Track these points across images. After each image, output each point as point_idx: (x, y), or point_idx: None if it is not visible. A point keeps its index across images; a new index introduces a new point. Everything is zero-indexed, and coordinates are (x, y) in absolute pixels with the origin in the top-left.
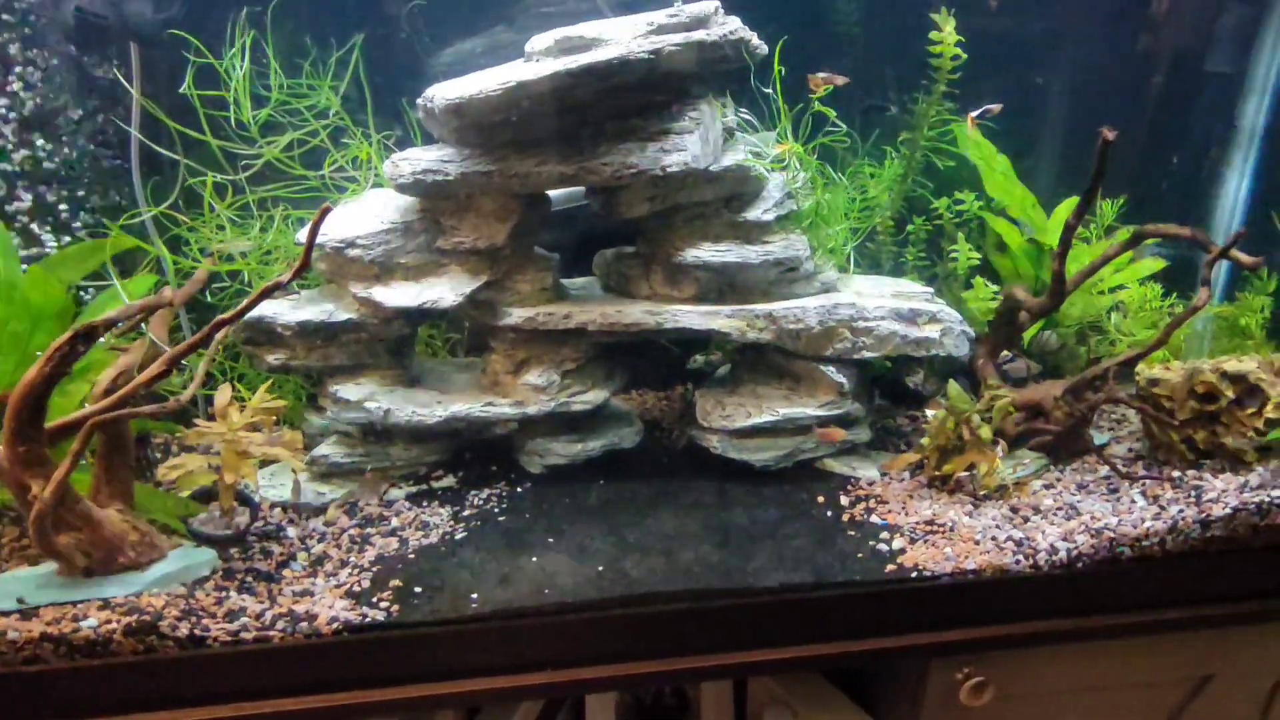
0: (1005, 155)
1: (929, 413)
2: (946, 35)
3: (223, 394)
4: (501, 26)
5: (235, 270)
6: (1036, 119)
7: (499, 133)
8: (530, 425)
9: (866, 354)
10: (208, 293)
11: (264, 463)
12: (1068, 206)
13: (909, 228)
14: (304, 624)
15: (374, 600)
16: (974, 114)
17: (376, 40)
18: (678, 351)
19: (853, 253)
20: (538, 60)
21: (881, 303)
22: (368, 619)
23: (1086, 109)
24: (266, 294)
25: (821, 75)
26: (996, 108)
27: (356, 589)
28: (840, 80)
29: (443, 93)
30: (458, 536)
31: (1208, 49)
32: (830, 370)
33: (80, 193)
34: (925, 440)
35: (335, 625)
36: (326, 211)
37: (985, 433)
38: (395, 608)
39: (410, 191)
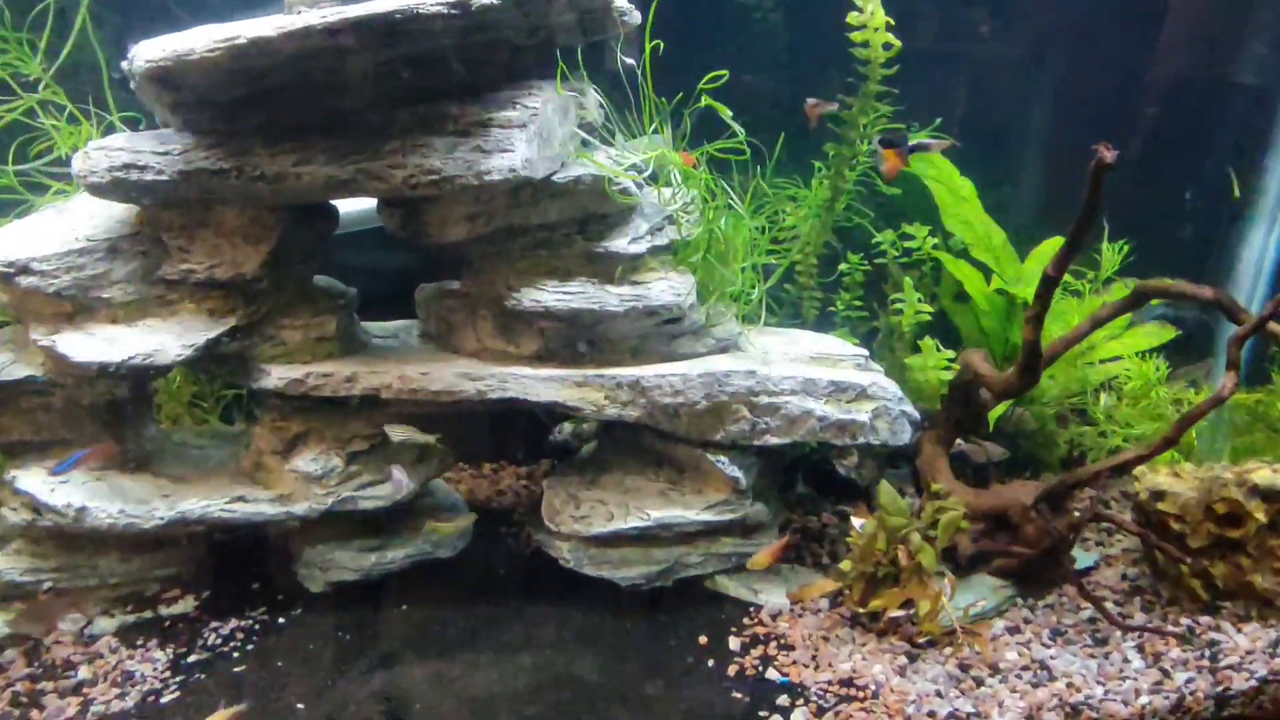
0: (970, 180)
1: (856, 523)
2: (869, 17)
3: None
4: None
5: None
6: (1010, 139)
7: (241, 114)
8: (307, 527)
9: (771, 439)
10: None
11: None
12: (1051, 248)
13: (841, 267)
14: None
15: None
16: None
17: None
18: (545, 418)
19: (764, 298)
20: (300, 11)
21: (794, 371)
22: None
23: (1076, 127)
24: None
25: (813, 101)
26: (944, 143)
27: None
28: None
29: (145, 52)
30: (165, 698)
31: (1235, 53)
32: (721, 462)
33: None
34: (847, 563)
35: None
36: None
37: (928, 558)
38: None
39: (108, 194)
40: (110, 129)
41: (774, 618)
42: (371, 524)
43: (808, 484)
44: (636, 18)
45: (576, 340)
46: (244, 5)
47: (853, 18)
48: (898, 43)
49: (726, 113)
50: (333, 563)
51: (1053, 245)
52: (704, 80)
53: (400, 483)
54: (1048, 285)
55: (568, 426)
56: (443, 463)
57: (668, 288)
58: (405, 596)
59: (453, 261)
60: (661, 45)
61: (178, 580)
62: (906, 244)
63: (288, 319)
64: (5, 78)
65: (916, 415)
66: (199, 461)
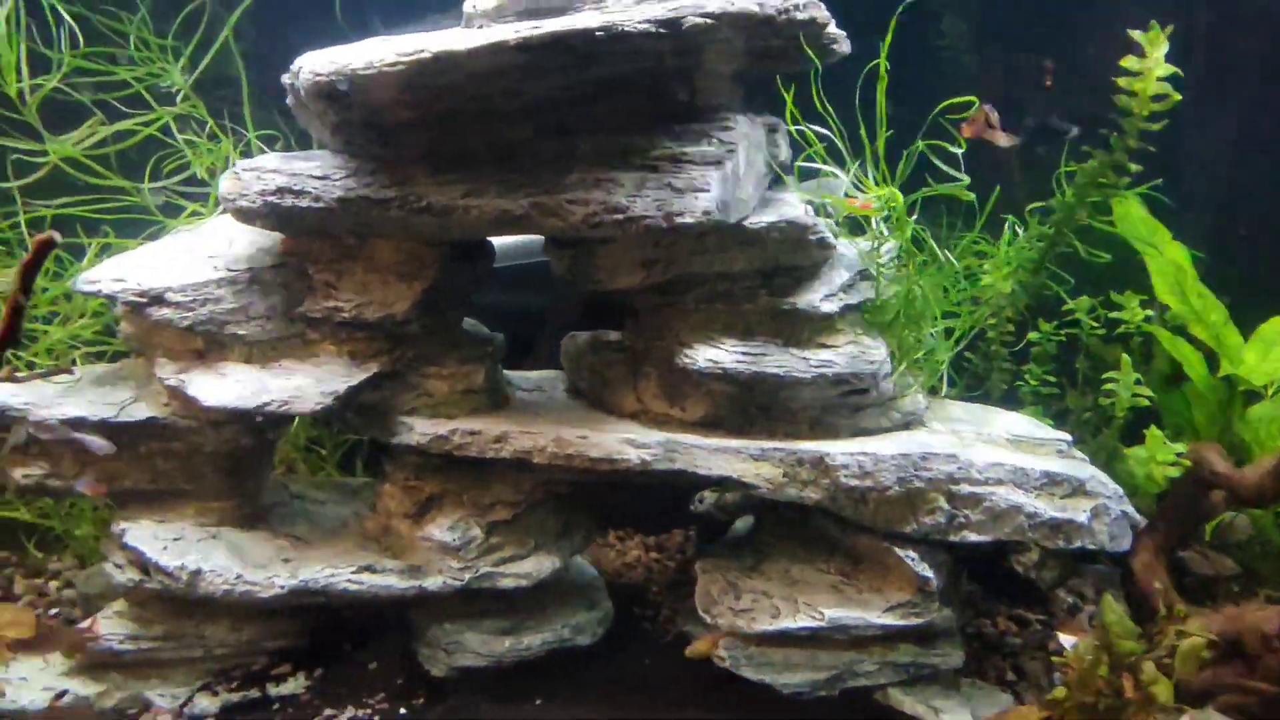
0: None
1: (1065, 641)
2: (1151, 63)
3: None
4: None
5: None
6: (1224, 196)
7: (404, 139)
8: (434, 603)
9: (970, 536)
10: None
11: None
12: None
13: (1031, 336)
14: None
15: None
16: None
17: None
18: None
19: (948, 367)
20: (482, 26)
21: (999, 456)
22: None
23: None
24: None
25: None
26: None
27: None
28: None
29: (313, 65)
30: None
31: None
32: (910, 557)
33: None
34: (1061, 690)
35: None
36: (47, 246)
37: (1164, 693)
38: None
39: (258, 221)
40: (247, 148)
41: None
42: (506, 601)
43: (975, 579)
44: (846, 47)
45: (749, 406)
46: (402, 19)
47: (1129, 61)
48: (1176, 95)
49: (962, 144)
50: (460, 645)
51: None
52: (943, 105)
53: (543, 564)
54: None
55: (709, 495)
56: (588, 536)
57: (860, 354)
58: (538, 688)
59: (607, 310)
60: (885, 71)
61: (288, 654)
62: (1114, 315)
63: (434, 367)
64: (141, 90)
65: (1137, 517)
66: (319, 519)
